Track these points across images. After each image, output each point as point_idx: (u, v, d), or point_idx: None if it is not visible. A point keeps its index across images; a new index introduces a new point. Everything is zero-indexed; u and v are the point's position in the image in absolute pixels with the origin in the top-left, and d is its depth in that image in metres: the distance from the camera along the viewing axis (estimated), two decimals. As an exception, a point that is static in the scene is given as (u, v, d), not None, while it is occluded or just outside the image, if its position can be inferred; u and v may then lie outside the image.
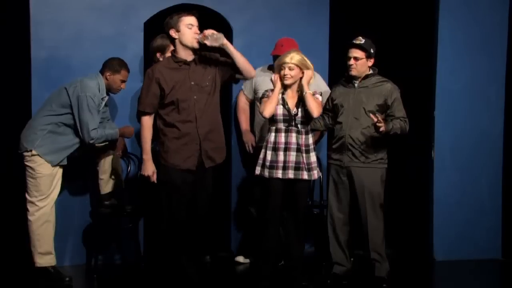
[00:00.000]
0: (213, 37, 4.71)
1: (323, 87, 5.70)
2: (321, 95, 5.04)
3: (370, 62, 5.19)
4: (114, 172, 5.49)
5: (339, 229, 5.28)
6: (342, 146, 5.20)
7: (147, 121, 4.76)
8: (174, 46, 4.79)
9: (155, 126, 4.84)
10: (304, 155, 4.92)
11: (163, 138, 4.75)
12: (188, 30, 4.71)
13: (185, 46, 4.73)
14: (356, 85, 5.21)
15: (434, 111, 6.15)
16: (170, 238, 4.72)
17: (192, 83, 4.73)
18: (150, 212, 5.57)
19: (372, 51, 5.15)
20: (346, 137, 5.17)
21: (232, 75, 4.88)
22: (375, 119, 4.93)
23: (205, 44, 4.71)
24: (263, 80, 5.54)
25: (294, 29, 6.08)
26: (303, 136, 4.94)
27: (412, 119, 5.48)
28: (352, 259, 5.44)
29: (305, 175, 4.93)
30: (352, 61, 5.14)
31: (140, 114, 4.79)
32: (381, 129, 4.96)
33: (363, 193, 5.17)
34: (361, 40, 5.14)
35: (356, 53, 5.12)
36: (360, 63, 5.14)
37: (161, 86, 4.67)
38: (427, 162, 6.25)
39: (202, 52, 4.82)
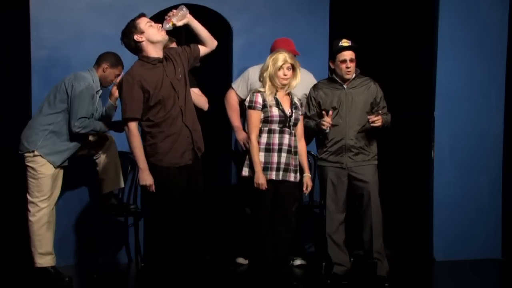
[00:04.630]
0: (179, 15, 4.62)
1: None
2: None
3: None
4: (114, 171, 5.49)
5: (338, 230, 5.29)
6: (341, 148, 5.21)
7: (136, 128, 4.59)
8: (140, 51, 4.65)
9: None
10: (293, 156, 4.91)
11: (152, 140, 4.62)
12: (150, 27, 4.63)
13: (156, 42, 4.63)
14: (345, 86, 5.22)
15: (434, 111, 6.15)
16: (171, 238, 4.68)
17: (170, 78, 4.65)
18: (147, 213, 5.52)
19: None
20: (346, 138, 5.18)
21: (196, 57, 4.82)
22: (372, 118, 5.03)
23: (173, 30, 4.63)
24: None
25: (294, 29, 6.08)
26: (293, 138, 4.93)
27: (412, 119, 5.48)
28: (352, 259, 5.44)
29: (291, 177, 4.91)
30: (349, 64, 5.15)
31: (127, 121, 4.57)
32: (378, 124, 5.05)
33: (366, 192, 5.19)
34: (349, 42, 5.16)
35: (352, 55, 5.16)
36: (354, 64, 5.19)
37: (145, 88, 4.55)
38: (427, 162, 6.25)
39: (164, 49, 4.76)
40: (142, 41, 4.62)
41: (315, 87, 5.34)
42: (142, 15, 4.70)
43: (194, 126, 4.72)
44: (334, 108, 5.18)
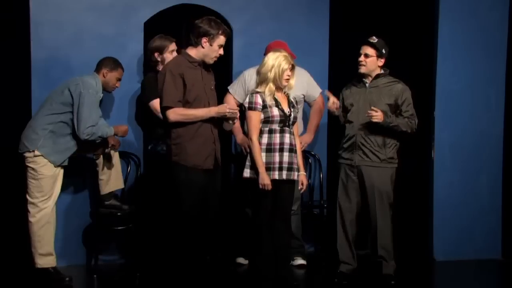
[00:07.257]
0: (231, 119, 4.81)
1: (315, 85, 5.75)
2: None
3: (381, 62, 5.22)
4: (114, 172, 5.48)
5: (349, 228, 5.30)
6: (352, 145, 5.24)
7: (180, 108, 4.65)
8: (194, 46, 4.73)
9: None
10: (295, 155, 4.91)
11: (178, 139, 4.68)
12: (217, 49, 4.72)
13: (203, 58, 4.74)
14: (367, 84, 5.23)
15: (434, 111, 6.15)
16: (186, 237, 4.71)
17: (205, 84, 4.77)
18: (159, 212, 5.48)
19: (384, 51, 5.20)
20: (357, 136, 5.21)
21: None
22: (370, 113, 5.03)
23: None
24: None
25: (294, 29, 6.08)
26: (293, 136, 4.94)
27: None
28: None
29: (296, 176, 4.92)
30: (362, 58, 5.19)
31: (167, 109, 4.64)
32: (375, 120, 5.04)
33: (372, 192, 5.21)
34: (374, 39, 5.19)
35: (367, 50, 5.18)
36: (370, 60, 5.17)
37: (184, 82, 4.64)
38: (427, 162, 6.25)
39: None
40: (202, 48, 4.71)
41: (346, 84, 5.43)
42: (227, 34, 4.75)
43: (217, 137, 4.83)
44: (351, 105, 5.26)
